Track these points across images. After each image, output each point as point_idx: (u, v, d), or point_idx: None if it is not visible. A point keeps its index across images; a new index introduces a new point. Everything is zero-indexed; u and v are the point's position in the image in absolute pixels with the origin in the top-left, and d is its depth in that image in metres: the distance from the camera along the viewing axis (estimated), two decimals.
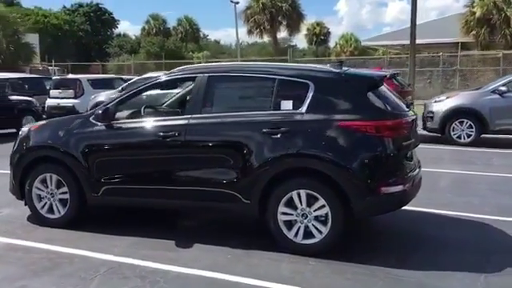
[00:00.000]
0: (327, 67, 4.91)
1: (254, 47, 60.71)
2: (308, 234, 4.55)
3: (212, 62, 38.75)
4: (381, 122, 4.46)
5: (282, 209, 4.58)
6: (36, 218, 5.51)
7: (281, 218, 4.59)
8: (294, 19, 30.36)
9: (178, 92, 5.91)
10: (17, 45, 26.10)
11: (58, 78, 17.73)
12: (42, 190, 5.42)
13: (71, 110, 14.92)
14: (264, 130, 4.60)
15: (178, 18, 52.77)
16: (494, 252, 4.72)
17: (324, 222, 4.50)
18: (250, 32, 30.89)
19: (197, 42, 52.70)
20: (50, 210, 5.43)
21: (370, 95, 4.59)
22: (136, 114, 5.25)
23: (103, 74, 31.98)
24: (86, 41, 63.49)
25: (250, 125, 4.70)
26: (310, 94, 4.62)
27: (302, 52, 64.06)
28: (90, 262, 4.44)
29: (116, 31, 70.21)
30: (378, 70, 12.85)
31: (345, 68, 5.08)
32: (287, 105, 4.67)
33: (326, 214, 4.46)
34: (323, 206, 4.47)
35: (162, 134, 4.90)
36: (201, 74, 5.01)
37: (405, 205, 4.83)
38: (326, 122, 4.51)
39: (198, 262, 4.41)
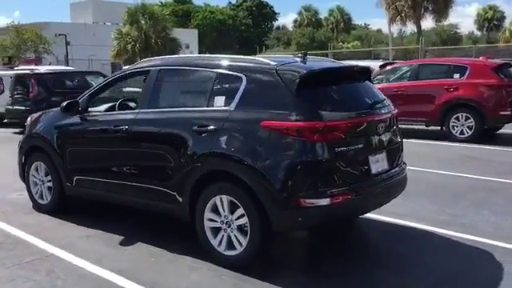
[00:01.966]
0: (263, 59, 4.33)
1: (415, 36, 57.24)
2: (231, 244, 4.11)
3: (358, 51, 37.56)
4: (307, 123, 3.78)
5: (208, 214, 4.21)
6: (33, 203, 5.92)
7: (207, 224, 4.22)
8: (440, 4, 27.57)
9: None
10: (165, 40, 28.38)
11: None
12: (36, 177, 5.79)
13: None
14: (194, 128, 4.26)
15: (329, 9, 52.17)
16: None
17: (246, 233, 4.02)
18: (391, 20, 29.05)
19: (348, 32, 51.55)
20: (41, 196, 5.78)
21: (305, 92, 3.92)
22: (101, 107, 5.31)
23: None
24: (248, 34, 66.66)
25: (183, 121, 4.38)
26: (241, 90, 4.14)
27: (471, 39, 58.57)
28: (28, 251, 4.60)
29: (276, 24, 72.42)
30: (485, 59, 11.14)
31: (308, 59, 4.45)
32: (220, 101, 4.25)
33: (246, 225, 3.99)
34: (243, 216, 3.99)
35: (114, 127, 4.86)
36: (153, 67, 4.84)
37: (344, 218, 4.12)
38: (249, 121, 3.99)
39: (116, 263, 4.28)
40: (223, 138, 4.08)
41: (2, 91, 15.25)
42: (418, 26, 27.86)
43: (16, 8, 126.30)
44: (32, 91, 13.38)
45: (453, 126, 10.50)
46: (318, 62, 4.77)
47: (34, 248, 4.68)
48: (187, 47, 45.23)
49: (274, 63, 4.16)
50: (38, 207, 5.82)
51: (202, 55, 5.04)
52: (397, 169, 4.56)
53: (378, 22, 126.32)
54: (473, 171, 7.60)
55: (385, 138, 4.36)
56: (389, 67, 12.68)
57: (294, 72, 4.00)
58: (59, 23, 38.57)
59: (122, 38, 28.09)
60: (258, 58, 4.43)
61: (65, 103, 5.20)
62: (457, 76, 10.46)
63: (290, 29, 64.72)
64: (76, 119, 5.28)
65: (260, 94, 4.09)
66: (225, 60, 4.46)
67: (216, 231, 4.19)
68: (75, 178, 5.30)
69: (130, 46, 27.32)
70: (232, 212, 4.06)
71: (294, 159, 3.80)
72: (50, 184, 5.63)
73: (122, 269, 4.15)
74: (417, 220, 5.29)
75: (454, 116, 10.44)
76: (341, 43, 46.23)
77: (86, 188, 5.27)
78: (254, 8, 68.82)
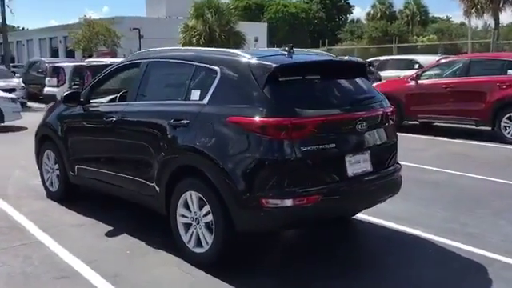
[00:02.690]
0: (240, 52, 4.16)
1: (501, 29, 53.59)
2: (199, 241, 4.02)
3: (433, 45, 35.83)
4: (271, 120, 3.59)
5: (180, 209, 4.14)
6: (45, 190, 6.14)
7: (179, 219, 4.16)
8: None
9: None
10: (228, 34, 28.60)
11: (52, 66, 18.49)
12: (47, 165, 6.00)
13: None
14: (170, 122, 4.20)
15: (405, 1, 50.13)
16: None
17: (212, 231, 3.91)
18: (466, 12, 27.30)
19: (424, 25, 49.35)
20: (51, 184, 5.98)
21: (274, 87, 3.73)
22: (104, 98, 5.39)
23: None
24: (320, 28, 65.73)
25: (163, 115, 4.34)
26: (215, 83, 4.02)
27: None
28: (20, 236, 4.76)
29: (350, 17, 70.91)
30: None
31: (296, 53, 4.24)
32: (196, 94, 4.15)
33: (212, 222, 3.88)
34: (209, 213, 3.89)
35: (105, 118, 4.92)
36: (144, 60, 4.83)
37: (311, 222, 3.91)
38: (218, 116, 3.86)
39: (92, 253, 4.31)
40: (194, 133, 3.99)
41: (64, 82, 16.06)
42: (496, 19, 26.02)
43: (104, 3, 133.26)
44: (87, 82, 13.99)
45: (505, 127, 9.70)
46: (303, 55, 4.53)
47: (27, 234, 4.83)
48: (256, 40, 45.37)
49: (249, 56, 4.00)
50: (49, 194, 6.03)
51: (188, 47, 4.95)
52: (387, 170, 4.25)
53: (461, 14, 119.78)
54: (511, 176, 6.96)
55: (369, 137, 4.06)
56: (443, 61, 11.95)
57: (265, 66, 3.82)
58: (134, 17, 40.03)
59: (188, 31, 28.67)
60: (237, 50, 4.28)
61: (65, 94, 5.33)
62: (511, 72, 9.64)
63: (365, 22, 62.92)
64: (78, 110, 5.39)
65: (232, 87, 3.95)
66: (204, 52, 4.37)
67: (187, 227, 4.12)
68: (76, 167, 5.43)
69: (194, 40, 27.79)
70: (201, 208, 3.97)
71: (257, 157, 3.62)
72: (58, 172, 5.81)
73: (94, 260, 4.18)
74: (420, 227, 4.91)
75: (507, 116, 9.65)
76: (415, 37, 44.36)
77: (85, 177, 5.38)
78: (327, 1, 67.70)
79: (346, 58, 4.85)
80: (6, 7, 24.28)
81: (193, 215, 4.04)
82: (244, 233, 3.83)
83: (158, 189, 4.31)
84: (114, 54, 31.59)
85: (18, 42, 55.06)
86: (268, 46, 45.20)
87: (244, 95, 3.83)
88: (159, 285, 3.78)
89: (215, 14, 28.51)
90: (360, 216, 5.10)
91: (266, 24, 48.78)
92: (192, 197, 4.01)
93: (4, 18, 24.21)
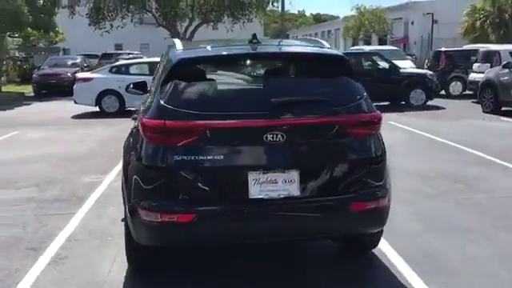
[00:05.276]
0: (181, 45, 3.68)
1: None
2: None
3: None
4: (149, 120, 3.14)
5: None
6: None
7: None
8: None
9: None
10: None
11: (486, 50, 15.71)
12: None
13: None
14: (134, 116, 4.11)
15: None
16: None
17: None
18: None
19: None
20: None
21: (171, 84, 3.23)
22: None
23: None
24: None
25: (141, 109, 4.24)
26: (157, 77, 3.76)
27: None
28: (71, 206, 5.37)
29: None
30: None
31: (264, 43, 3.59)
32: (152, 89, 3.93)
33: None
34: None
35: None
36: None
37: (193, 244, 3.36)
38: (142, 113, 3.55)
39: (82, 234, 4.58)
40: (133, 130, 3.80)
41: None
42: None
43: None
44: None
45: None
46: (266, 46, 3.61)
47: (78, 205, 5.37)
48: None
49: (180, 49, 3.57)
50: None
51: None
52: (341, 197, 3.12)
53: None
54: None
55: (300, 152, 3.09)
56: None
57: (171, 60, 3.44)
58: (429, 1, 37.84)
59: (474, 13, 25.40)
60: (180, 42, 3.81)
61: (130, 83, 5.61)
62: None
63: None
64: None
65: (159, 82, 3.54)
66: (171, 43, 4.05)
67: None
68: None
69: (478, 23, 24.50)
70: None
71: (137, 162, 3.24)
72: None
73: (75, 239, 4.47)
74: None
75: None
76: None
77: None
78: None
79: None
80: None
81: None
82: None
83: None
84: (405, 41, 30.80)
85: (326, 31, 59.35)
86: None
87: (156, 92, 3.41)
88: (73, 277, 3.73)
89: None
90: (385, 251, 3.91)
91: None
92: None
93: (283, 6, 26.59)
